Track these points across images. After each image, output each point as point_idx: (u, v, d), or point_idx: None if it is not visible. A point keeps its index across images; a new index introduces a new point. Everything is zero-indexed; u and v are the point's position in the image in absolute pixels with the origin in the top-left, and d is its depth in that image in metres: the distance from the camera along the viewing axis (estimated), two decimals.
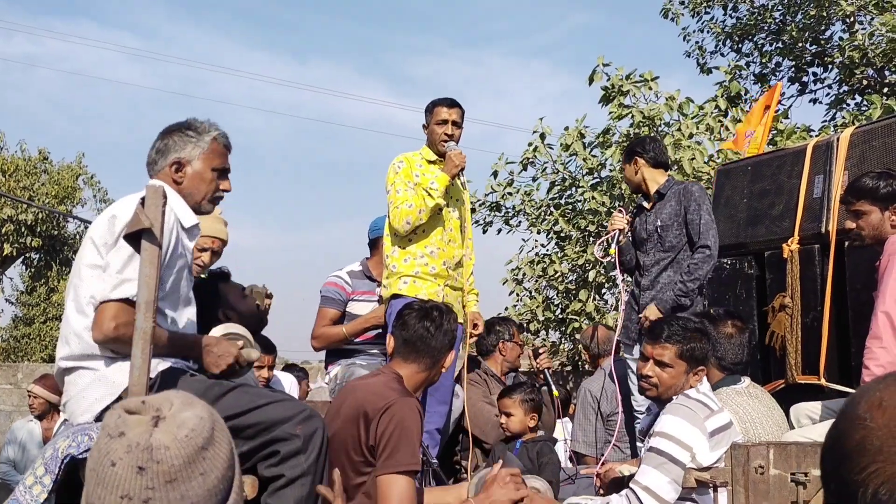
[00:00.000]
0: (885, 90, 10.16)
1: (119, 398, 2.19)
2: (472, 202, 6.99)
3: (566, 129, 8.79)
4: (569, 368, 9.05)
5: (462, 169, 3.79)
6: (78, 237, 18.71)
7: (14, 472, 5.57)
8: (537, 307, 8.85)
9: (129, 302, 2.19)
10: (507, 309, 9.05)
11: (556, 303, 9.06)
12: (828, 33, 11.63)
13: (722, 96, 8.45)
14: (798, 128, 8.50)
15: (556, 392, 4.33)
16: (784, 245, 4.02)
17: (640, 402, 3.96)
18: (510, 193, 9.19)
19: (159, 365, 2.27)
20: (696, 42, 12.85)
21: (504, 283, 9.20)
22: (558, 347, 9.33)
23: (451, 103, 3.87)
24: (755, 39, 12.41)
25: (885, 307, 2.94)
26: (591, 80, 8.46)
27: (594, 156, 8.70)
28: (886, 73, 10.46)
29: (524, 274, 9.02)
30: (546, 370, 4.41)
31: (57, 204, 18.19)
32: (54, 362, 2.44)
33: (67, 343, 2.32)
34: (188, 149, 2.49)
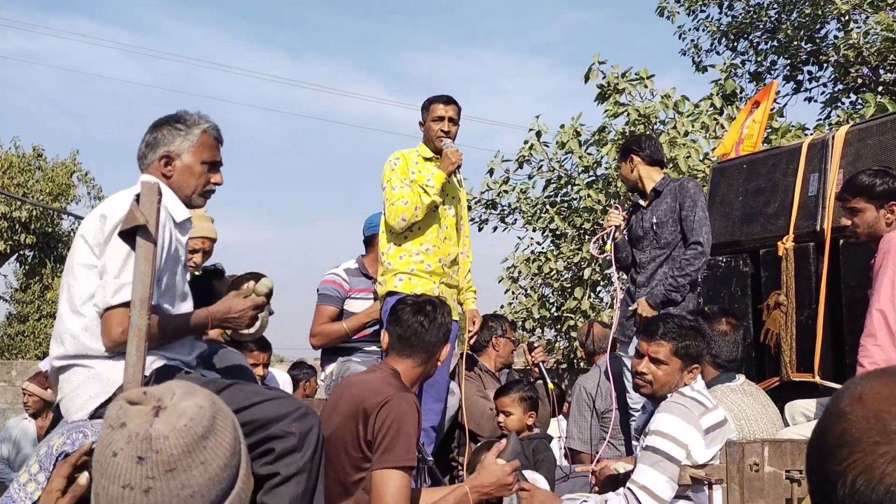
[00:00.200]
0: (880, 89, 10.19)
1: (113, 396, 2.19)
2: (468, 200, 6.99)
3: (562, 126, 8.80)
4: (564, 366, 9.07)
5: (458, 166, 3.78)
6: (72, 234, 18.61)
7: (8, 470, 5.57)
8: (533, 305, 8.87)
9: (130, 305, 2.18)
10: (502, 307, 9.07)
11: (551, 300, 9.07)
12: (823, 32, 11.68)
13: (717, 94, 8.49)
14: (793, 126, 8.51)
15: (551, 385, 4.33)
16: (779, 243, 4.04)
17: (635, 400, 3.96)
18: (506, 191, 9.21)
19: (154, 363, 2.26)
20: (692, 40, 12.90)
21: (500, 281, 9.22)
22: (554, 345, 9.34)
23: (448, 100, 3.87)
24: (750, 38, 12.43)
25: (880, 305, 2.95)
26: (586, 78, 8.47)
27: (590, 153, 8.71)
28: (881, 71, 10.48)
29: (520, 272, 9.03)
30: (541, 363, 4.41)
31: (51, 201, 18.16)
32: None
33: (62, 342, 2.30)
34: (177, 142, 2.44)
